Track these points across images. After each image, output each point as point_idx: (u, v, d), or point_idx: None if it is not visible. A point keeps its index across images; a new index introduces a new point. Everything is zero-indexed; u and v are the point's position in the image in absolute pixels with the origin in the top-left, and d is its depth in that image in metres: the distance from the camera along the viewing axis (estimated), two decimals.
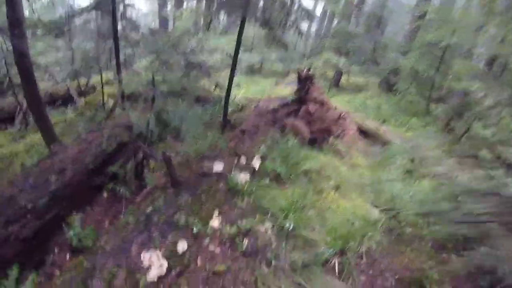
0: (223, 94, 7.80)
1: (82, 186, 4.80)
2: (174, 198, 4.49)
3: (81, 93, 11.45)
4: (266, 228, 4.35)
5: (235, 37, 7.24)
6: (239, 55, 7.56)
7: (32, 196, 4.29)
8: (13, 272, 3.69)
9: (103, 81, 11.30)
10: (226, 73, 9.99)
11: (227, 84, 7.49)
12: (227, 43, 9.25)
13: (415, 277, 4.18)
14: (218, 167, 5.06)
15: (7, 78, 9.86)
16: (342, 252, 4.38)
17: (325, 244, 4.40)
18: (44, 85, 11.26)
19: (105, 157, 5.24)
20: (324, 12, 20.36)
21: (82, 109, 10.22)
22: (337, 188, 5.86)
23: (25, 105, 9.46)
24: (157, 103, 5.46)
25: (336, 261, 4.26)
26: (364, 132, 8.76)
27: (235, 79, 7.99)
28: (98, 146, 5.18)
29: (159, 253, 3.54)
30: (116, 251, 3.76)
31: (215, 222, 4.18)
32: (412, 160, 7.46)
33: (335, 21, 17.10)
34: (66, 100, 11.06)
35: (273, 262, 3.94)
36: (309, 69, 7.52)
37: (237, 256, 3.93)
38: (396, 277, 4.26)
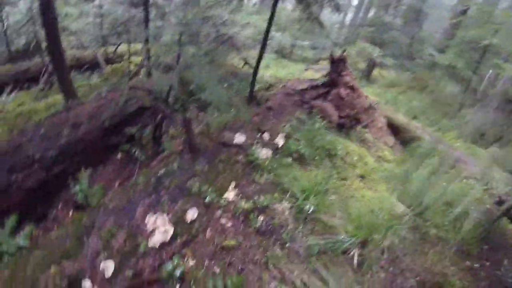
0: (251, 71, 7.42)
1: (95, 144, 4.52)
2: (190, 164, 4.12)
3: (108, 61, 11.28)
4: (284, 207, 3.96)
5: (266, 17, 6.81)
6: (271, 34, 7.15)
7: (41, 147, 4.03)
8: (10, 221, 3.42)
9: (131, 51, 11.10)
10: (255, 52, 9.59)
11: (256, 61, 7.08)
12: (259, 20, 8.81)
13: (437, 281, 3.75)
14: (239, 139, 4.67)
15: (35, 40, 9.79)
16: (363, 244, 3.95)
17: (346, 233, 3.98)
18: (71, 50, 11.20)
19: (123, 118, 4.94)
20: (360, 2, 19.55)
21: (108, 76, 10.04)
22: (362, 177, 5.43)
23: (50, 67, 9.36)
24: (181, 67, 5.10)
25: (356, 252, 3.83)
26: (393, 126, 8.19)
27: (264, 61, 7.58)
28: (117, 105, 4.88)
29: (166, 217, 3.19)
30: (119, 211, 3.43)
31: (230, 194, 3.80)
32: (442, 160, 6.96)
33: (371, 13, 16.33)
34: (92, 66, 10.97)
35: (288, 244, 3.56)
36: (343, 51, 6.98)
37: (250, 233, 3.54)
38: (417, 278, 3.83)
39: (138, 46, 11.94)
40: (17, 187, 3.67)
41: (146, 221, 3.16)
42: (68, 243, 3.17)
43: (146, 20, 7.84)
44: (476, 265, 4.02)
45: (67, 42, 11.44)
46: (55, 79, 8.87)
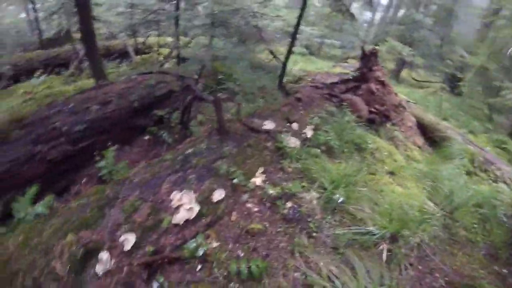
0: (279, 65, 7.25)
1: (123, 123, 4.43)
2: (218, 145, 3.95)
3: (137, 51, 11.34)
4: (311, 197, 3.75)
5: (295, 12, 6.63)
6: (301, 28, 6.94)
7: (69, 121, 3.95)
8: (31, 190, 3.35)
9: (160, 42, 11.12)
10: (282, 49, 9.40)
11: (285, 53, 6.89)
12: (288, 14, 8.61)
13: (466, 283, 3.51)
14: (268, 126, 4.49)
15: (65, 29, 9.91)
16: (393, 239, 3.71)
17: (375, 226, 3.74)
18: (101, 40, 11.30)
19: (152, 100, 4.85)
20: (390, 0, 18.99)
21: (136, 65, 10.07)
22: (391, 174, 5.17)
23: (81, 53, 9.47)
24: (210, 52, 4.96)
25: (385, 247, 3.59)
26: (422, 126, 7.84)
27: (292, 56, 7.39)
28: (146, 87, 4.78)
29: (192, 195, 3.03)
30: (144, 185, 3.29)
31: (257, 179, 3.61)
32: (473, 162, 6.61)
33: (401, 12, 15.80)
34: (121, 55, 11.05)
35: (315, 234, 3.35)
36: (375, 46, 6.71)
37: (276, 220, 3.35)
38: (446, 279, 3.57)
39: (167, 38, 11.97)
40: (41, 158, 3.60)
41: (171, 198, 3.02)
42: (88, 212, 3.06)
43: (176, 10, 7.78)
44: (505, 271, 3.79)
45: (97, 32, 11.58)
46: (86, 65, 8.98)
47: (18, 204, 3.46)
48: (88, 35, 5.67)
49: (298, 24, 6.70)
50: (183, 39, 8.97)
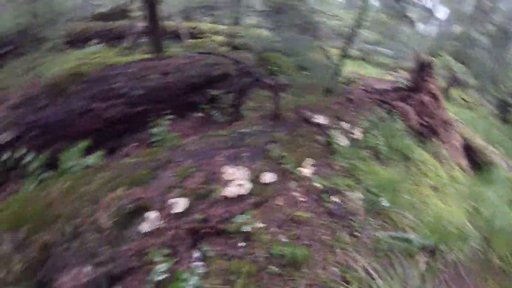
0: (332, 64, 7.13)
1: (179, 96, 4.46)
2: (271, 129, 3.91)
3: (189, 35, 11.49)
4: (356, 196, 3.65)
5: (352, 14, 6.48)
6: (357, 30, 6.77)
7: (128, 84, 4.01)
8: (83, 144, 3.43)
9: (213, 30, 11.21)
10: (336, 48, 9.24)
11: (340, 53, 6.77)
12: (345, 14, 8.46)
13: None
14: (320, 119, 4.41)
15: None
16: (431, 251, 3.57)
17: (416, 235, 3.62)
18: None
19: (208, 79, 4.87)
20: (445, 15, 18.25)
21: (187, 48, 10.20)
22: (434, 188, 4.98)
23: (137, 28, 9.66)
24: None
25: (423, 258, 3.45)
26: (468, 148, 7.50)
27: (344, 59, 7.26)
28: (203, 66, 4.82)
29: (245, 172, 3.00)
30: (197, 155, 3.29)
31: (306, 170, 3.54)
32: None
33: (457, 27, 15.11)
34: (173, 37, 11.19)
35: (357, 233, 3.25)
36: (431, 56, 6.44)
37: (321, 212, 3.28)
38: None
39: (219, 26, 12.06)
40: (95, 115, 3.67)
41: (223, 170, 3.00)
42: (140, 171, 3.08)
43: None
44: None
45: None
46: (142, 41, 9.19)
47: (67, 154, 3.54)
48: (152, 13, 5.81)
49: (356, 26, 6.55)
50: (237, 28, 9.02)
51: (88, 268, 2.42)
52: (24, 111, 3.96)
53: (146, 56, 7.33)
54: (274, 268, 2.64)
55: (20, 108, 3.99)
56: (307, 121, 4.33)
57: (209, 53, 5.31)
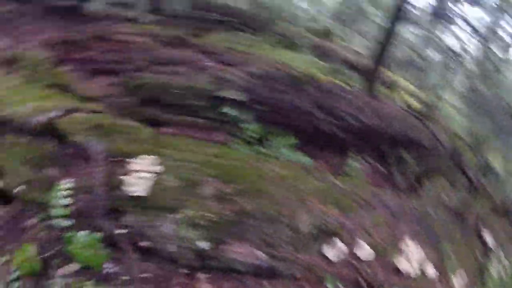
0: None
1: (377, 142, 4.68)
2: None
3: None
4: None
5: None
6: None
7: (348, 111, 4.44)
8: (293, 139, 4.12)
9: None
10: None
11: None
12: None
13: None
14: None
15: None
16: None
17: None
18: None
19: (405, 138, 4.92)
20: None
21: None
22: None
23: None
24: None
25: None
26: None
27: None
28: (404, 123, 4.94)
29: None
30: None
31: None
32: None
33: None
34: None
35: None
36: None
37: None
38: None
39: None
40: (310, 120, 4.19)
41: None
42: (346, 196, 3.42)
43: None
44: None
45: None
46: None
47: (279, 140, 4.13)
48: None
49: None
50: None
51: (262, 254, 2.60)
52: (262, 84, 4.56)
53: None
54: None
55: (260, 79, 4.60)
56: None
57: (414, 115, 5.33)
